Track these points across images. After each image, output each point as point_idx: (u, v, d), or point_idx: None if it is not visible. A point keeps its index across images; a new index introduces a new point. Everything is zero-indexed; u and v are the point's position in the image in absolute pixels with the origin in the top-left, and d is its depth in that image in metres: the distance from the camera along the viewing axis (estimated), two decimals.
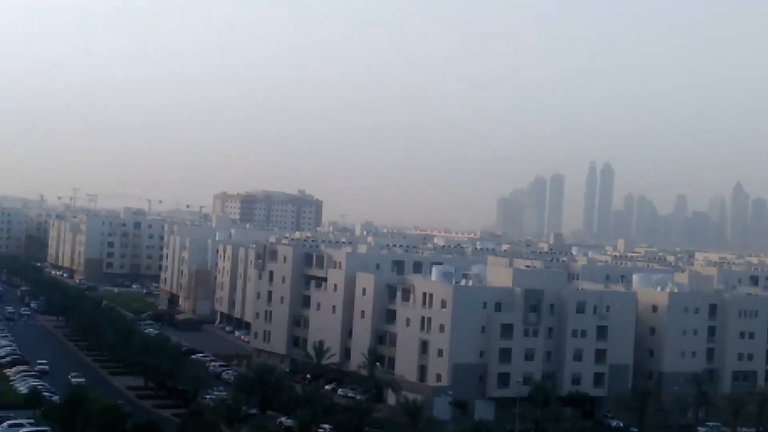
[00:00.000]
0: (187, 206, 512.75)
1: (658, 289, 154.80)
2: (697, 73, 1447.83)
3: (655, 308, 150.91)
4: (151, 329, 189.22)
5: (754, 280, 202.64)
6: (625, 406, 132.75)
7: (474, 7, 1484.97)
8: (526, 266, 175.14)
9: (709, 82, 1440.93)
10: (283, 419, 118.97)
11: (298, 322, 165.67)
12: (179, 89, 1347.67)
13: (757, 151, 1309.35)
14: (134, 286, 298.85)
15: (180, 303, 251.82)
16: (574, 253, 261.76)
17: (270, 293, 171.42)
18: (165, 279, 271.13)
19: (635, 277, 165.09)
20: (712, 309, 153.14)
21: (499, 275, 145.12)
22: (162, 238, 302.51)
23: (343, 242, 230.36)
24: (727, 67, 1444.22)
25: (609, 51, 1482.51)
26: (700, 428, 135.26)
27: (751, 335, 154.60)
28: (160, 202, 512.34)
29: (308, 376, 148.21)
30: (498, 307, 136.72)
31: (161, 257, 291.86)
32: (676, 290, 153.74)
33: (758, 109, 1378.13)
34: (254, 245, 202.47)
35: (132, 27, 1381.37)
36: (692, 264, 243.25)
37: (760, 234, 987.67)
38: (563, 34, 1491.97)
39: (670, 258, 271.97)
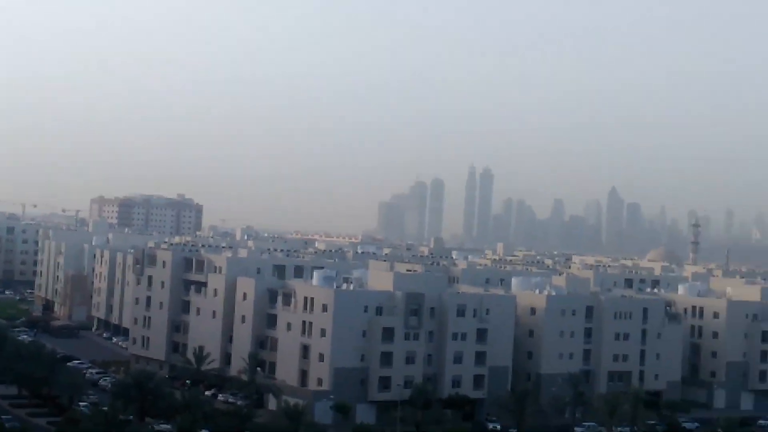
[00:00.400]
0: (63, 210, 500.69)
1: (537, 292, 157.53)
2: (573, 80, 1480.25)
3: (533, 311, 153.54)
4: (25, 336, 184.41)
5: (629, 283, 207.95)
6: (505, 407, 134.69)
7: (333, 4, 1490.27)
8: (407, 270, 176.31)
9: (584, 89, 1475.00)
10: (161, 425, 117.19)
11: (177, 327, 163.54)
12: (53, 91, 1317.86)
13: (632, 157, 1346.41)
14: (7, 292, 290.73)
15: (56, 309, 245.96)
16: (454, 256, 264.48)
17: (149, 298, 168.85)
18: (40, 285, 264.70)
19: (514, 281, 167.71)
20: (589, 311, 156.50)
21: (380, 279, 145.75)
22: (36, 243, 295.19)
23: (224, 247, 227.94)
24: (602, 74, 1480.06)
25: (487, 57, 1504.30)
26: (576, 428, 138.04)
27: (626, 336, 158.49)
28: (35, 206, 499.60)
29: (188, 381, 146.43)
30: (379, 311, 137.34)
31: (36, 263, 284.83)
32: (553, 293, 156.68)
33: (633, 115, 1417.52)
34: (132, 250, 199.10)
35: None
36: (569, 267, 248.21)
37: (634, 238, 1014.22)
38: (444, 40, 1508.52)
39: (548, 261, 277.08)
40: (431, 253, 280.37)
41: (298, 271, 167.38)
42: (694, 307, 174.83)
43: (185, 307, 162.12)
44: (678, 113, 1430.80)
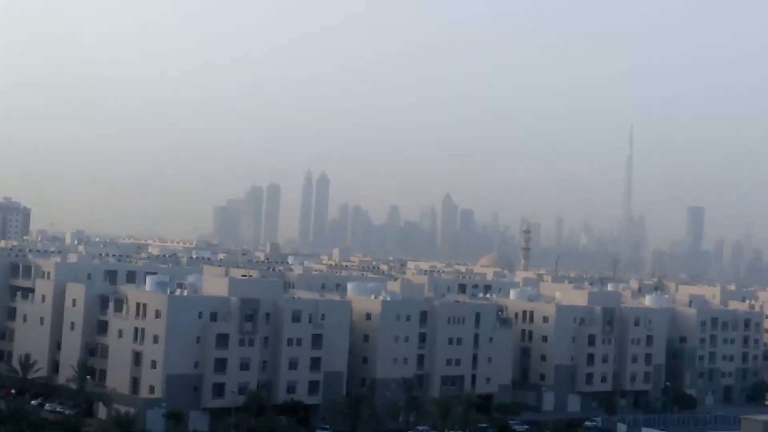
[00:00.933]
0: None
1: (372, 297, 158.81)
2: (409, 86, 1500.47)
3: (368, 316, 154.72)
4: None
5: (462, 288, 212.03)
6: (339, 412, 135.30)
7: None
8: (243, 276, 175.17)
9: (420, 97, 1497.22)
10: None
11: (2, 334, 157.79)
12: None
13: (466, 164, 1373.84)
14: None
15: None
16: (290, 262, 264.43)
17: None
18: None
19: (350, 286, 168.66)
20: (423, 316, 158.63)
21: (215, 285, 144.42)
22: None
23: (52, 251, 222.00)
24: (439, 82, 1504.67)
25: (326, 62, 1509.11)
26: None
27: (459, 341, 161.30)
28: None
29: (13, 391, 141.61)
30: (214, 317, 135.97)
31: None
32: (388, 298, 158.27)
33: (466, 123, 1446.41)
34: None
35: None
36: (404, 272, 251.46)
37: (467, 243, 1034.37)
38: (279, 43, 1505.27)
39: (384, 267, 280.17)
40: (267, 259, 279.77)
41: (131, 277, 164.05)
42: (524, 312, 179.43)
43: (11, 313, 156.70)
44: (509, 122, 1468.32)
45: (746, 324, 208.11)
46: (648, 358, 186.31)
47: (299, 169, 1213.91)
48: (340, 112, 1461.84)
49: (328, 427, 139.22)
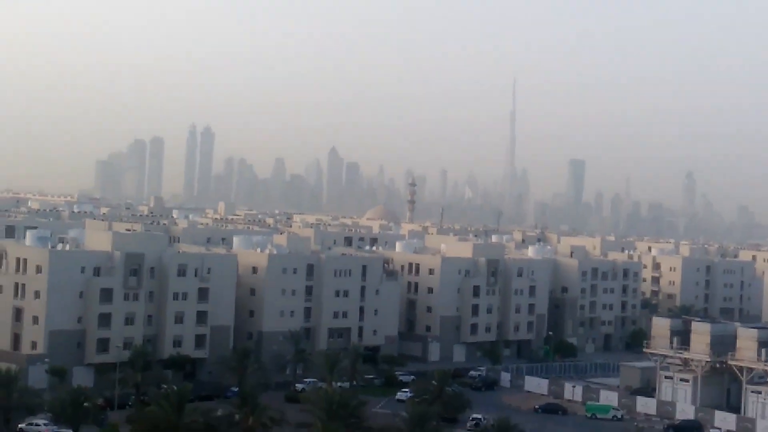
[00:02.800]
0: None
1: (258, 251, 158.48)
2: (292, 34, 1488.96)
3: (255, 270, 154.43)
4: None
5: (348, 241, 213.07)
6: (226, 366, 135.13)
7: None
8: (126, 230, 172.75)
9: (309, 47, 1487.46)
10: None
11: None
12: None
13: (352, 117, 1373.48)
14: None
15: None
16: (174, 216, 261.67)
17: None
18: None
19: (236, 240, 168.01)
20: (310, 269, 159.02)
21: (98, 239, 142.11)
22: None
23: None
24: (329, 34, 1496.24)
25: (209, 11, 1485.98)
26: (297, 384, 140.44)
27: (345, 293, 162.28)
28: None
29: None
30: (97, 271, 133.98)
31: None
32: (275, 251, 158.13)
33: (351, 74, 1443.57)
34: None
35: None
36: (291, 226, 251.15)
37: (353, 197, 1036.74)
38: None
39: (270, 220, 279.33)
40: (151, 213, 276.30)
41: (10, 231, 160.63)
42: (410, 264, 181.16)
43: None
44: (394, 77, 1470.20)
45: (625, 274, 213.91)
46: (531, 308, 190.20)
47: (183, 122, 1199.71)
48: (225, 65, 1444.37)
49: (215, 377, 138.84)
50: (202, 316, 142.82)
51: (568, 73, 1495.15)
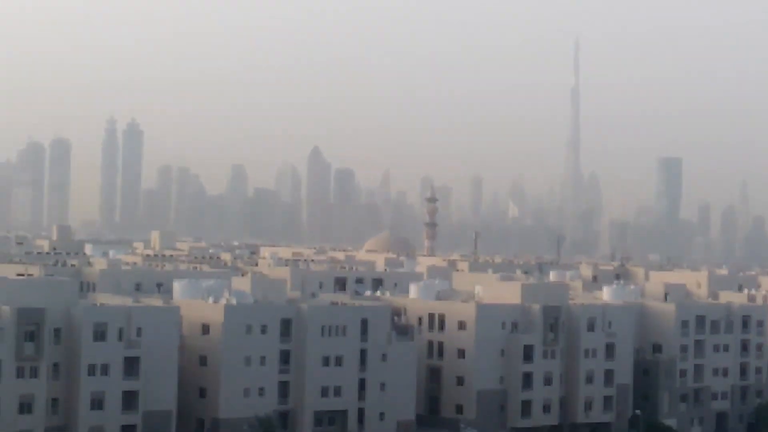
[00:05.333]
0: None
1: (210, 300, 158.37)
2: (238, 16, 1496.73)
3: (206, 328, 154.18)
4: None
5: (341, 284, 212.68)
6: None
7: None
8: (19, 275, 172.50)
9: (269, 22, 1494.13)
10: None
11: None
12: None
13: (339, 108, 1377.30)
14: None
15: None
16: (88, 252, 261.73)
17: None
18: None
19: (177, 285, 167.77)
20: (286, 326, 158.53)
21: None
22: None
23: None
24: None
25: None
26: None
27: (338, 361, 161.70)
28: None
29: None
30: None
31: None
32: (234, 301, 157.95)
33: (339, 52, 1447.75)
34: None
35: None
36: (256, 264, 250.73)
37: (346, 218, 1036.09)
38: None
39: (226, 256, 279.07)
40: (54, 249, 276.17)
41: None
42: (431, 316, 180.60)
43: None
44: (403, 58, 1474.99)
45: (745, 324, 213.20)
46: (608, 376, 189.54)
47: (98, 117, 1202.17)
48: (140, 44, 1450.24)
49: None
50: (130, 398, 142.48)
51: (652, 41, 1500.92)
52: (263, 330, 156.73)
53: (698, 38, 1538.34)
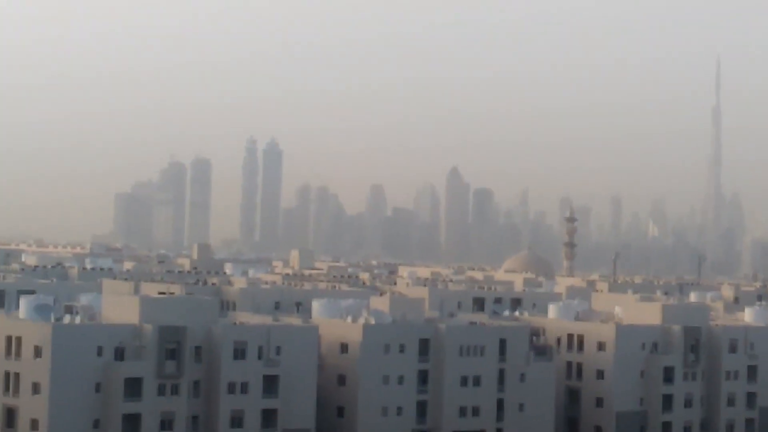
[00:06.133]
0: None
1: (349, 320, 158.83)
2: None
3: (344, 348, 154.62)
4: None
5: (479, 304, 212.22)
6: None
7: None
8: (160, 293, 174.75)
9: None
10: None
11: None
12: None
13: (478, 127, 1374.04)
14: None
15: None
16: (228, 271, 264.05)
17: None
18: None
19: (316, 305, 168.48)
20: (424, 346, 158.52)
21: (120, 307, 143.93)
22: None
23: None
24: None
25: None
26: None
27: (477, 380, 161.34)
28: None
29: None
30: (120, 353, 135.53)
31: None
32: (373, 321, 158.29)
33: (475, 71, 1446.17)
34: None
35: None
36: (395, 283, 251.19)
37: (485, 238, 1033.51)
38: None
39: (365, 276, 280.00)
40: (194, 268, 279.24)
41: None
42: (570, 336, 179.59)
43: None
44: (537, 74, 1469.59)
45: None
46: (751, 399, 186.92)
47: (238, 135, 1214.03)
48: (293, 63, 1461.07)
49: None
50: (268, 417, 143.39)
51: None
52: (401, 349, 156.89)
53: None
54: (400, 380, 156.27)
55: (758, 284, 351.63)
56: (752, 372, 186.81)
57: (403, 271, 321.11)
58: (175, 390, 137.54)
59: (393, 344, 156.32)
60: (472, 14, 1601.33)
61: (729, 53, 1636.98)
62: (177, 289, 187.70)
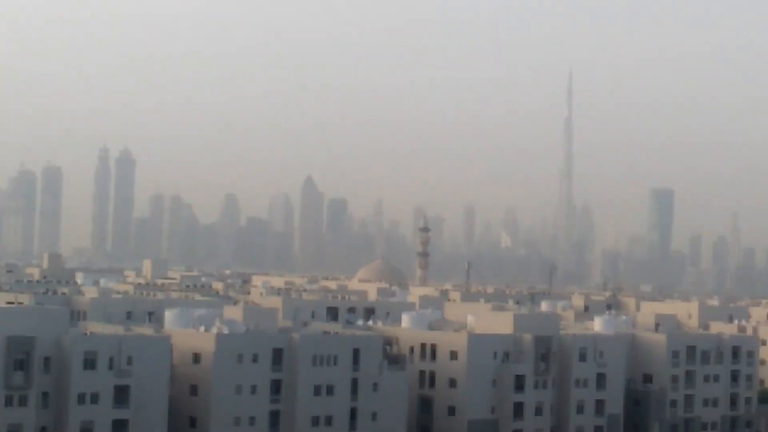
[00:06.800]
0: None
1: (202, 329, 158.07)
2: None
3: (197, 358, 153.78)
4: None
5: (333, 313, 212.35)
6: None
7: None
8: (8, 303, 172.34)
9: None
10: None
11: None
12: None
13: (331, 137, 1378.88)
14: None
15: None
16: (79, 281, 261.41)
17: None
18: None
19: (168, 315, 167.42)
20: (277, 356, 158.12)
21: None
22: None
23: None
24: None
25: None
26: None
27: (330, 390, 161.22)
28: None
29: None
30: None
31: None
32: (226, 331, 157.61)
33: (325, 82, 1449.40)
34: None
35: None
36: (248, 293, 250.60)
37: (339, 248, 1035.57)
38: None
39: (218, 285, 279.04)
40: (44, 277, 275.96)
41: None
42: (423, 346, 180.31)
43: None
44: (396, 84, 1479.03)
45: (735, 354, 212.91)
46: (600, 406, 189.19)
47: (91, 145, 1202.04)
48: (134, 72, 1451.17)
49: None
50: (119, 428, 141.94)
51: (646, 71, 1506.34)
52: (254, 359, 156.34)
53: (691, 69, 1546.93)
54: (253, 390, 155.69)
55: (608, 293, 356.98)
56: (601, 380, 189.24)
57: (257, 281, 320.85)
58: (23, 401, 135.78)
59: (246, 354, 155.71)
60: (324, 25, 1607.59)
61: (581, 66, 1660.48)
62: (26, 299, 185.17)
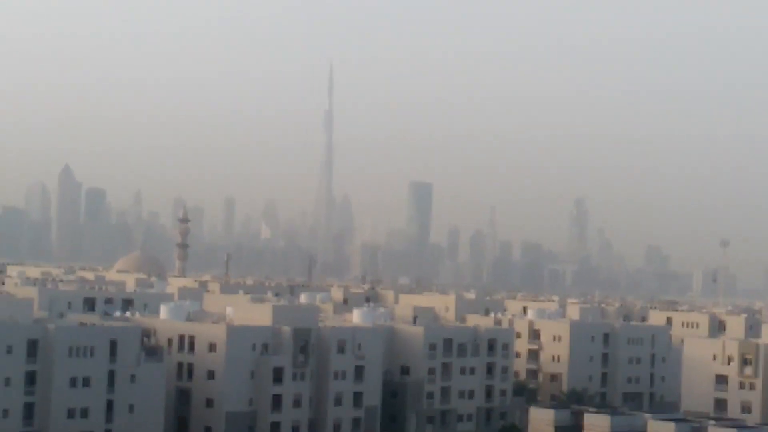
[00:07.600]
0: None
1: None
2: None
3: None
4: None
5: (90, 304, 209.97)
6: None
7: None
8: None
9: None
10: None
11: None
12: None
13: (89, 128, 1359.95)
14: None
15: None
16: None
17: None
18: None
19: None
20: (32, 347, 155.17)
21: None
22: None
23: None
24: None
25: None
26: None
27: (86, 382, 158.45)
28: None
29: None
30: None
31: None
32: None
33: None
34: None
35: None
36: (3, 282, 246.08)
37: (97, 238, 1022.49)
38: None
39: None
40: None
41: None
42: (182, 338, 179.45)
43: None
44: (153, 72, 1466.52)
45: (491, 347, 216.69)
46: (357, 398, 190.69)
47: None
48: None
49: None
50: None
51: (405, 66, 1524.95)
52: (8, 350, 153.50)
53: (451, 67, 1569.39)
54: (7, 382, 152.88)
55: (366, 286, 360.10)
56: (359, 372, 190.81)
57: (12, 271, 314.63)
58: None
59: (0, 345, 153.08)
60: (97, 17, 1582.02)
61: (342, 60, 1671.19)
62: None
